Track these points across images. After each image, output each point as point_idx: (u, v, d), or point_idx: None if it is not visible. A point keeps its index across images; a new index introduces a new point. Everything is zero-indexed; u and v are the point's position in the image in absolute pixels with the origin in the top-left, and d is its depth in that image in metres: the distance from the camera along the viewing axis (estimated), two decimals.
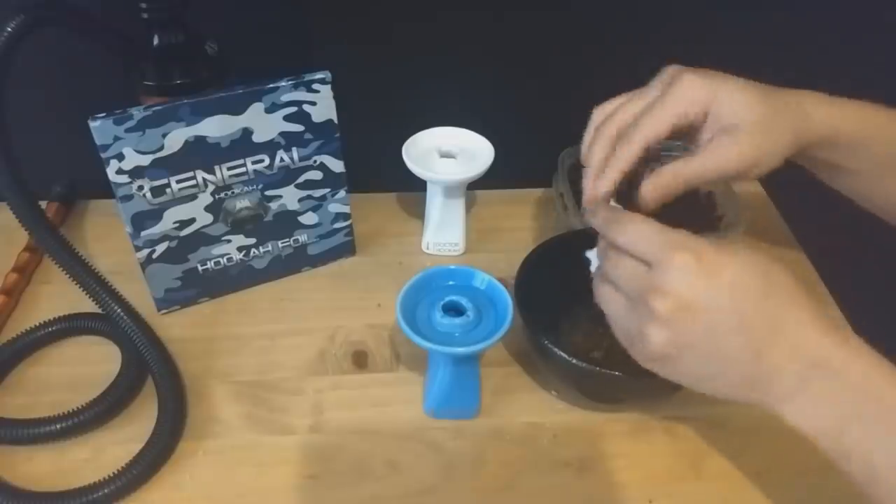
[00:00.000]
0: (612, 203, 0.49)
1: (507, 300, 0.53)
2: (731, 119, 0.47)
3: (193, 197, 0.58)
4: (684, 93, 0.48)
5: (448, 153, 0.67)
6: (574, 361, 0.50)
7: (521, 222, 0.76)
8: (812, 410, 0.39)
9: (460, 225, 0.69)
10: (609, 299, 0.44)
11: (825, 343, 0.39)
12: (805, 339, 0.39)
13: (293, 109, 0.58)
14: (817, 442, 0.39)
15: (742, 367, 0.40)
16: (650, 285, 0.40)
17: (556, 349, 0.51)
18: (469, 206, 0.75)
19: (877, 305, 0.69)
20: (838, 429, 0.39)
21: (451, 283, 0.55)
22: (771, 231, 0.75)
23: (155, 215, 0.58)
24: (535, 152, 0.74)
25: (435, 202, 0.68)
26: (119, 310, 0.56)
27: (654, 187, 0.48)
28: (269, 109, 0.57)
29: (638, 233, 0.42)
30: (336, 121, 0.60)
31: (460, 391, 0.54)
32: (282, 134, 0.59)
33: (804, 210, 0.72)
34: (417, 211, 0.75)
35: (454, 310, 0.52)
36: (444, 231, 0.70)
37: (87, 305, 0.58)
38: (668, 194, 0.48)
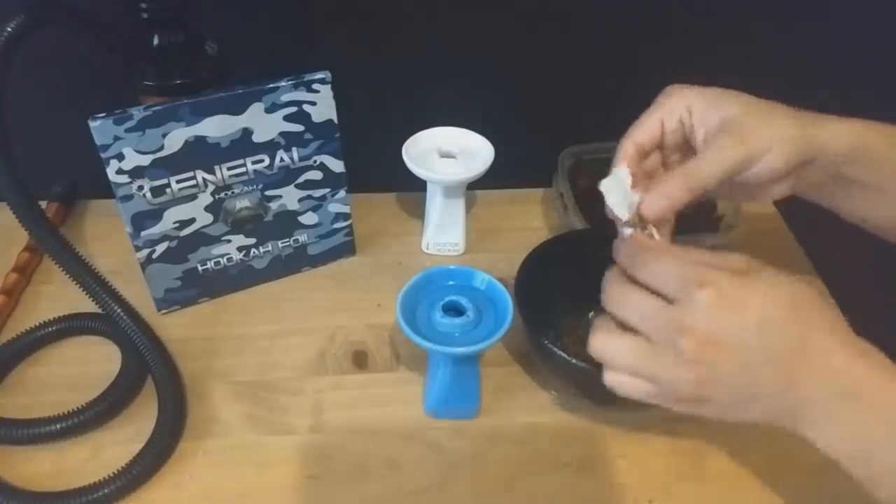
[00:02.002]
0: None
1: (507, 300, 0.53)
2: (720, 113, 0.47)
3: (193, 197, 0.58)
4: (669, 94, 0.49)
5: (448, 153, 0.67)
6: (574, 361, 0.50)
7: (521, 222, 0.76)
8: (841, 437, 0.39)
9: (460, 225, 0.69)
10: (625, 346, 0.41)
11: (852, 369, 0.38)
12: (832, 367, 0.39)
13: (293, 109, 0.58)
14: (848, 468, 0.39)
15: (775, 399, 0.39)
16: (675, 324, 0.39)
17: (556, 349, 0.51)
18: (469, 206, 0.75)
19: (882, 312, 0.69)
20: (867, 455, 0.38)
21: (451, 283, 0.55)
22: (776, 241, 0.75)
23: (155, 215, 0.58)
24: (535, 152, 0.74)
25: (435, 202, 0.68)
26: (119, 310, 0.56)
27: (655, 207, 0.46)
28: (269, 109, 0.57)
29: (659, 266, 0.40)
30: (336, 121, 0.60)
31: (460, 391, 0.54)
32: (282, 134, 0.59)
33: (811, 221, 0.72)
34: (417, 211, 0.75)
35: (454, 310, 0.52)
36: (444, 231, 0.70)
37: (87, 305, 0.58)
38: (673, 207, 0.46)
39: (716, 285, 0.38)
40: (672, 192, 0.45)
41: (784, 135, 0.46)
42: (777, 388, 0.39)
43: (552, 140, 0.74)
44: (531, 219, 0.76)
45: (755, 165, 0.46)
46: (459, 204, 0.68)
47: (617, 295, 0.42)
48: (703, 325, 0.38)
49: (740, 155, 0.46)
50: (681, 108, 0.49)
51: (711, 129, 0.47)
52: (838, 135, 0.47)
